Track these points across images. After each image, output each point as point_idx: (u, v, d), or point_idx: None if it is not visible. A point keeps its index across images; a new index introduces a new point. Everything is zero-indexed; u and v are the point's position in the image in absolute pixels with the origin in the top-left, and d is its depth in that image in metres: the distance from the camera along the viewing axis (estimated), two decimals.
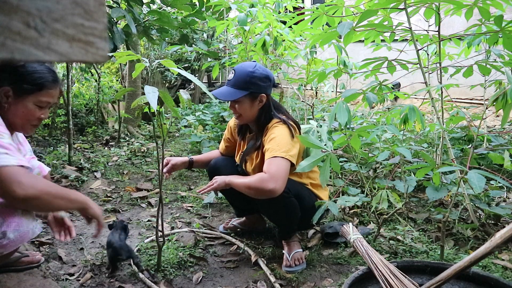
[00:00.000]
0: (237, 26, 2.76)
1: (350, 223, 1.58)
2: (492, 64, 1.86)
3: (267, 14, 2.86)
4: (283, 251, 1.80)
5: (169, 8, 3.55)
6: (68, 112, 3.27)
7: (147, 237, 2.02)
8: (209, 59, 4.71)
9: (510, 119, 3.57)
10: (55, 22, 0.29)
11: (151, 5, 3.42)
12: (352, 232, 1.52)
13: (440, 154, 2.30)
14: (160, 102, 1.38)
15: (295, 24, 2.32)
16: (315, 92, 5.22)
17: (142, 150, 3.80)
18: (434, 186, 1.98)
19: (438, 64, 2.01)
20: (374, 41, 2.11)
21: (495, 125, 4.43)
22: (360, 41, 2.10)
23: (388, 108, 3.41)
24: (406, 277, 1.27)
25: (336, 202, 1.74)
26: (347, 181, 2.47)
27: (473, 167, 1.67)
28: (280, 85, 2.26)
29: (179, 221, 2.26)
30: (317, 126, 2.04)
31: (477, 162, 2.51)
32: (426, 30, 2.15)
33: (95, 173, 3.08)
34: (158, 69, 5.92)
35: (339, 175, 2.69)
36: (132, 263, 1.68)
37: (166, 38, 3.68)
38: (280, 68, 3.36)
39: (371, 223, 2.16)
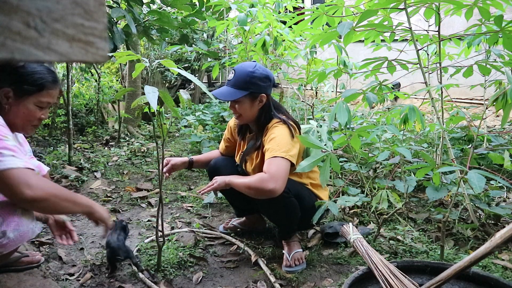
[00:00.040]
0: (237, 26, 2.76)
1: (350, 223, 1.58)
2: (492, 64, 1.86)
3: (267, 14, 2.86)
4: (283, 251, 1.80)
5: (169, 8, 3.55)
6: (68, 112, 3.27)
7: (147, 237, 2.02)
8: (209, 59, 4.71)
9: (510, 119, 3.57)
10: (55, 22, 0.29)
11: (151, 5, 3.42)
12: (352, 232, 1.52)
13: (440, 154, 2.30)
14: (160, 102, 1.38)
15: (295, 24, 2.32)
16: (315, 92, 5.22)
17: (142, 150, 3.80)
18: (434, 186, 1.98)
19: (438, 64, 2.01)
20: (374, 41, 2.11)
21: (495, 125, 4.43)
22: (360, 41, 2.10)
23: (388, 108, 3.41)
24: (406, 277, 1.27)
25: (336, 202, 1.74)
26: (347, 181, 2.47)
27: (473, 167, 1.67)
28: (280, 85, 2.26)
29: (179, 221, 2.26)
30: (317, 126, 2.04)
31: (477, 162, 2.51)
32: (426, 30, 2.15)
33: (95, 173, 3.08)
34: (158, 69, 5.93)
35: (339, 175, 2.69)
36: (131, 263, 1.68)
37: (166, 38, 3.68)
38: (280, 68, 3.36)
39: (371, 223, 2.16)
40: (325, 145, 1.69)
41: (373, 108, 3.48)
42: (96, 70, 4.57)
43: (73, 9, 0.30)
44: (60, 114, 4.48)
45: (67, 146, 3.28)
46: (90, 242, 1.97)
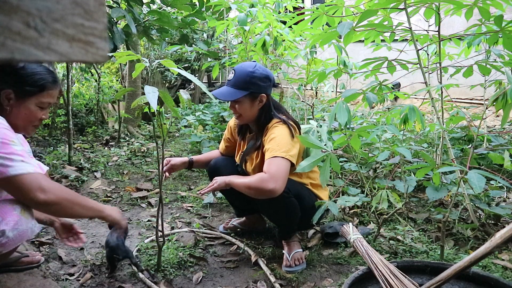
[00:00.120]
0: (237, 26, 2.76)
1: (350, 223, 1.58)
2: (492, 64, 1.86)
3: (267, 14, 2.86)
4: (283, 251, 1.80)
5: (169, 8, 3.55)
6: (68, 112, 3.27)
7: (147, 237, 2.02)
8: (209, 59, 4.71)
9: (510, 119, 3.57)
10: (55, 22, 0.29)
11: (151, 5, 3.42)
12: (352, 232, 1.52)
13: (440, 154, 2.30)
14: (160, 102, 1.38)
15: (295, 24, 2.32)
16: (315, 92, 5.22)
17: (142, 150, 3.80)
18: (434, 186, 1.98)
19: (438, 64, 2.01)
20: (374, 41, 2.11)
21: (495, 125, 4.43)
22: (360, 41, 2.10)
23: (388, 108, 3.41)
24: (406, 277, 1.27)
25: (336, 202, 1.74)
26: (347, 181, 2.47)
27: (473, 167, 1.67)
28: (280, 85, 2.26)
29: (179, 221, 2.26)
30: (317, 126, 2.04)
31: (477, 162, 2.51)
32: (426, 30, 2.15)
33: (95, 173, 3.08)
34: (158, 69, 5.92)
35: (339, 175, 2.69)
36: (131, 263, 1.68)
37: (166, 38, 3.68)
38: (280, 68, 3.36)
39: (371, 223, 2.16)
40: (325, 145, 1.69)
41: (373, 108, 3.48)
42: (96, 70, 4.57)
43: (73, 9, 0.30)
44: (60, 114, 4.48)
45: (67, 146, 3.28)
46: (90, 242, 1.97)
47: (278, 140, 1.65)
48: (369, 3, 1.94)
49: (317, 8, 2.00)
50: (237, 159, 1.95)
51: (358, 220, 2.21)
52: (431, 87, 1.89)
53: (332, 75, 2.20)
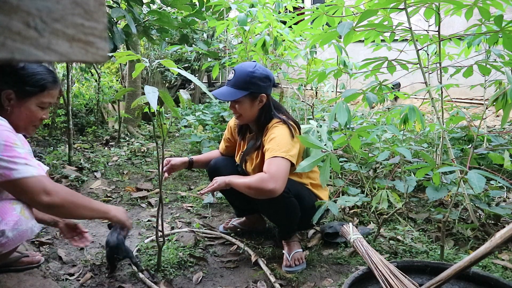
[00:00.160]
0: (237, 26, 2.76)
1: (350, 223, 1.58)
2: (492, 64, 1.86)
3: (267, 14, 2.85)
4: (283, 251, 1.80)
5: (169, 8, 3.55)
6: (68, 112, 3.27)
7: (147, 237, 2.02)
8: (209, 59, 4.71)
9: (510, 119, 3.57)
10: (55, 22, 0.29)
11: (151, 5, 3.42)
12: (352, 232, 1.52)
13: (440, 154, 2.30)
14: (160, 102, 1.38)
15: (295, 24, 2.32)
16: (315, 92, 5.22)
17: (142, 150, 3.80)
18: (434, 186, 1.98)
19: (438, 64, 2.01)
20: (374, 41, 2.11)
21: (495, 125, 4.43)
22: (360, 41, 2.10)
23: (388, 108, 3.41)
24: (406, 277, 1.27)
25: (336, 202, 1.74)
26: (347, 181, 2.47)
27: (473, 167, 1.67)
28: (280, 85, 2.26)
29: (179, 221, 2.26)
30: (317, 126, 2.04)
31: (477, 162, 2.51)
32: (426, 30, 2.15)
33: (95, 173, 3.08)
34: (158, 69, 5.92)
35: (339, 175, 2.69)
36: (131, 263, 1.68)
37: (166, 38, 3.68)
38: (280, 68, 3.36)
39: (371, 223, 2.16)
40: (325, 145, 1.69)
41: (373, 108, 3.48)
42: (96, 70, 4.57)
43: (73, 9, 0.30)
44: (60, 114, 4.48)
45: (67, 146, 3.28)
46: (90, 242, 1.96)
47: (278, 140, 1.65)
48: (369, 3, 1.94)
49: (317, 8, 2.00)
50: (237, 159, 1.95)
51: (358, 220, 2.21)
52: (431, 87, 1.89)
53: (332, 75, 2.20)
